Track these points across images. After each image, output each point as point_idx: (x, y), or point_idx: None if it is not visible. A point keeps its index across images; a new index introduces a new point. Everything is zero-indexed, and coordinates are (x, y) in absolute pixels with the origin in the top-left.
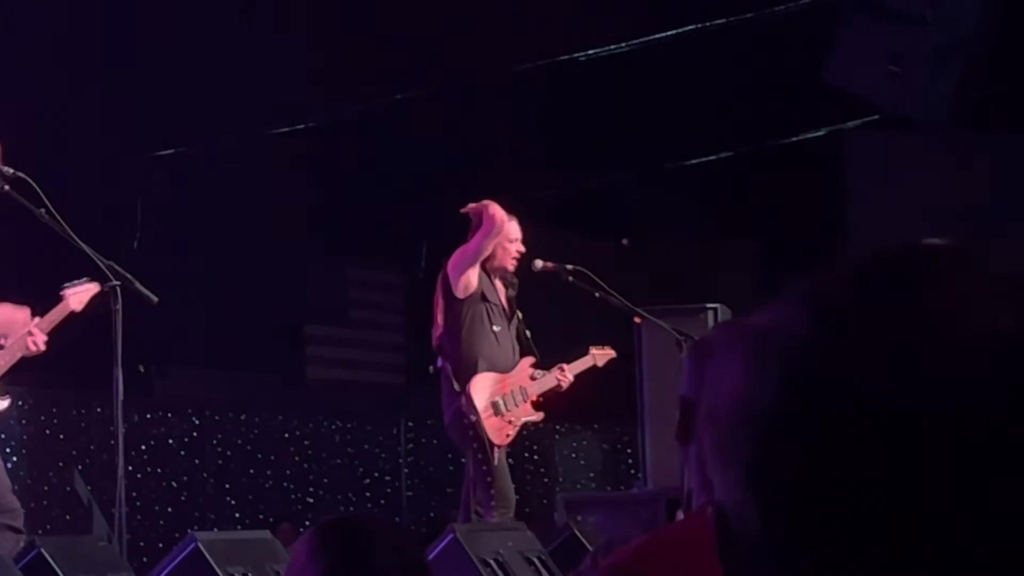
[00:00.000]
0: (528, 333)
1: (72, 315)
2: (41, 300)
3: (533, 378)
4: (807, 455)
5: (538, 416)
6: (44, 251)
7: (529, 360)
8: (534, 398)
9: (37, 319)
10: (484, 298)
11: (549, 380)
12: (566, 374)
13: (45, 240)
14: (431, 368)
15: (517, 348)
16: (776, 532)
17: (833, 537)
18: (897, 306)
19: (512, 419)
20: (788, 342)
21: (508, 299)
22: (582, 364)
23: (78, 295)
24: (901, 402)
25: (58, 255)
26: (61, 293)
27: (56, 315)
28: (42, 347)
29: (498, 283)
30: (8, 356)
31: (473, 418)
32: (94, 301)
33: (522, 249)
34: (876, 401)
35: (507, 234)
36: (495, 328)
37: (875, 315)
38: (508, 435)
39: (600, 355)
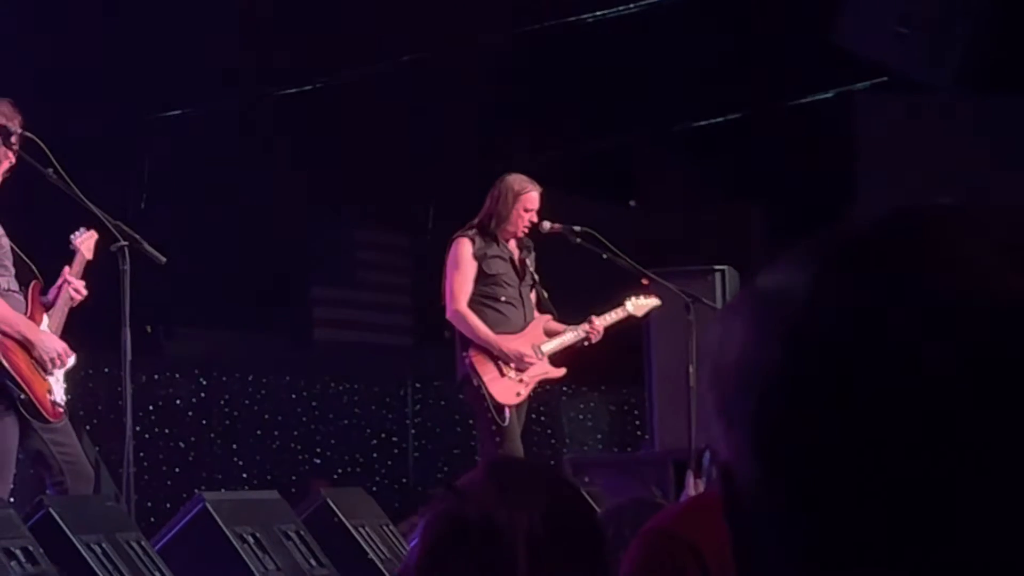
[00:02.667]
0: (546, 293)
1: (88, 264)
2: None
3: (549, 334)
4: (809, 416)
5: (558, 372)
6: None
7: (545, 318)
8: (550, 354)
9: (67, 268)
10: (485, 275)
11: (576, 335)
12: (595, 326)
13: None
14: (446, 332)
15: (531, 308)
16: (778, 492)
17: (833, 498)
18: (900, 267)
19: (524, 378)
20: (791, 302)
21: (521, 260)
22: (614, 316)
23: (85, 242)
24: (904, 363)
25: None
26: (72, 245)
27: (78, 265)
28: (83, 291)
29: (512, 244)
30: (60, 314)
31: (476, 383)
32: (97, 247)
33: (535, 219)
34: (879, 362)
35: (524, 203)
36: (501, 298)
37: (878, 276)
38: (519, 394)
39: (641, 306)
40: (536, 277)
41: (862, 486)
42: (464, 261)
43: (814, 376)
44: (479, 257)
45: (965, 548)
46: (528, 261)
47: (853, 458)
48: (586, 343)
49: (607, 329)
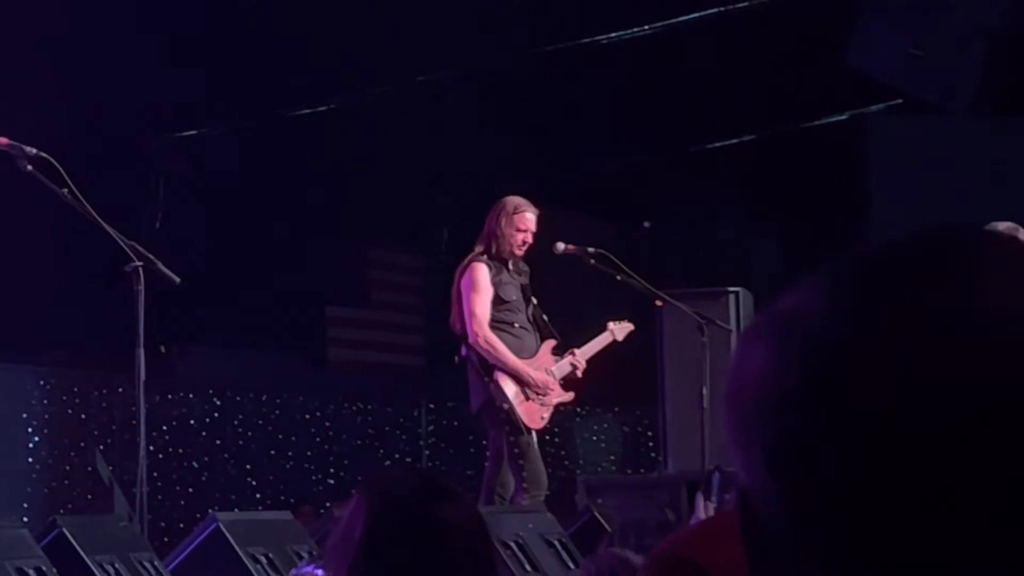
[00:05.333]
0: (545, 317)
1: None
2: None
3: (555, 363)
4: (828, 438)
5: (569, 396)
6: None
7: (550, 343)
8: (560, 380)
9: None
10: (501, 300)
11: (564, 366)
12: (578, 359)
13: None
14: (456, 358)
15: (537, 333)
16: (796, 514)
17: (853, 519)
18: (920, 290)
19: (544, 402)
20: (810, 325)
21: (522, 285)
22: (599, 343)
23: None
24: (925, 384)
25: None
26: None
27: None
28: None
29: (512, 269)
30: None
31: (506, 406)
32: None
33: (529, 240)
34: (899, 383)
35: (516, 223)
36: (515, 324)
37: (898, 300)
38: (543, 418)
39: (619, 329)
40: (536, 301)
41: (882, 507)
42: (483, 285)
43: (833, 397)
44: (495, 283)
45: (989, 569)
46: (527, 288)
47: (873, 479)
48: (575, 374)
49: (599, 358)
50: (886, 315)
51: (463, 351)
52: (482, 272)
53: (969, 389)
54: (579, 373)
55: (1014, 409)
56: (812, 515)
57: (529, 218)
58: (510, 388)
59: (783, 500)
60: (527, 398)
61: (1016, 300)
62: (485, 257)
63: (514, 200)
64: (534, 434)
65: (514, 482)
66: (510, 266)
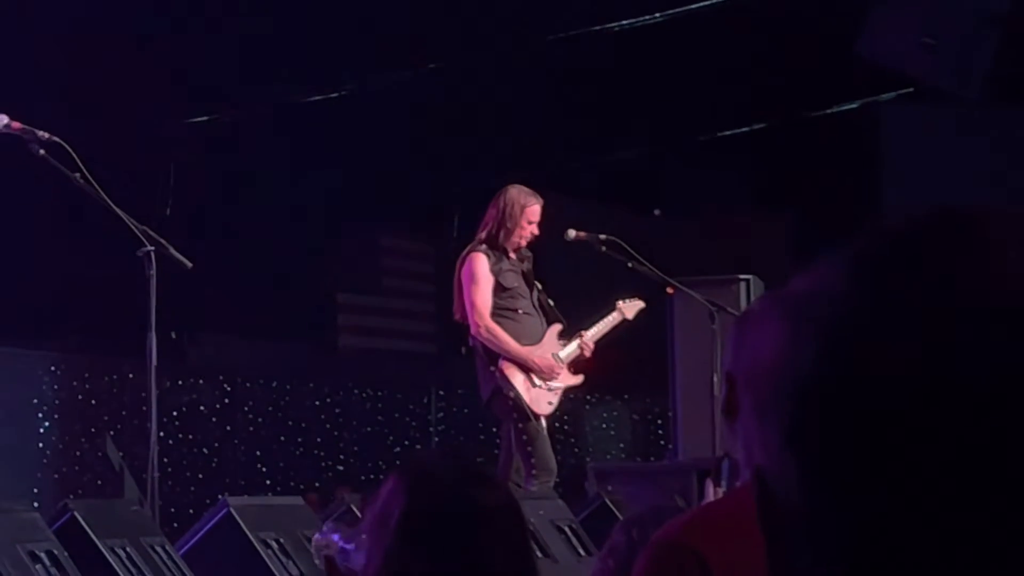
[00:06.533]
0: (551, 302)
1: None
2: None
3: (562, 346)
4: (847, 419)
5: (578, 379)
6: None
7: (556, 328)
8: (568, 364)
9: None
10: (503, 288)
11: (573, 350)
12: (586, 341)
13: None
14: (463, 348)
15: (543, 318)
16: (812, 493)
17: (869, 497)
18: (936, 270)
19: (552, 387)
20: (826, 305)
21: (524, 272)
22: (608, 323)
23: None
24: (940, 367)
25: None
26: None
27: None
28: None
29: (513, 256)
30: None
31: (512, 394)
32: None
33: (536, 232)
34: (915, 365)
35: (528, 216)
36: (519, 310)
37: (914, 279)
38: (550, 403)
39: (628, 307)
40: (540, 286)
41: (897, 485)
42: (482, 276)
43: (849, 375)
44: (495, 272)
45: (1008, 547)
46: (529, 273)
47: (889, 458)
48: (583, 357)
49: (605, 336)
50: (905, 296)
51: (471, 340)
52: (480, 262)
53: (1003, 357)
54: (588, 354)
55: None
56: (828, 494)
57: (537, 209)
58: (516, 376)
59: (799, 479)
60: (534, 385)
61: None
62: (484, 247)
63: (522, 191)
64: (543, 420)
65: (523, 468)
66: (511, 254)
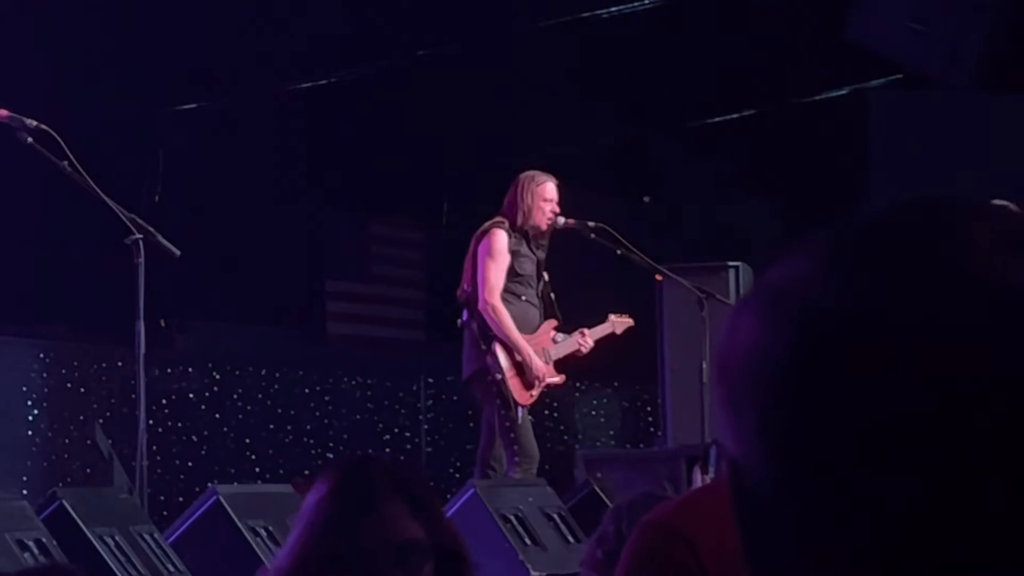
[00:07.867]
0: (552, 296)
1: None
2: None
3: (555, 341)
4: (817, 406)
5: (559, 378)
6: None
7: (552, 323)
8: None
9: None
10: (515, 272)
11: (570, 344)
12: (586, 339)
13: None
14: (458, 321)
15: (541, 310)
16: (786, 485)
17: (843, 490)
18: (910, 260)
19: (537, 379)
20: (798, 293)
21: (538, 261)
22: (602, 330)
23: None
24: (909, 353)
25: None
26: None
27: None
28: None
29: (532, 243)
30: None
31: (499, 376)
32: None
33: (556, 210)
34: (885, 352)
35: (542, 193)
36: (523, 298)
37: (888, 268)
38: (532, 395)
39: (619, 323)
40: (547, 278)
41: (872, 477)
42: (501, 253)
43: (822, 367)
44: (513, 253)
45: (985, 544)
46: (542, 263)
47: (863, 449)
48: (579, 354)
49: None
50: (875, 287)
51: (464, 316)
52: (501, 239)
53: (971, 353)
54: (584, 351)
55: (1012, 385)
56: (803, 486)
57: (551, 187)
58: (506, 361)
59: (773, 471)
60: (519, 373)
61: (1007, 276)
62: (506, 224)
63: (533, 172)
64: (523, 409)
65: (506, 455)
66: (530, 240)
